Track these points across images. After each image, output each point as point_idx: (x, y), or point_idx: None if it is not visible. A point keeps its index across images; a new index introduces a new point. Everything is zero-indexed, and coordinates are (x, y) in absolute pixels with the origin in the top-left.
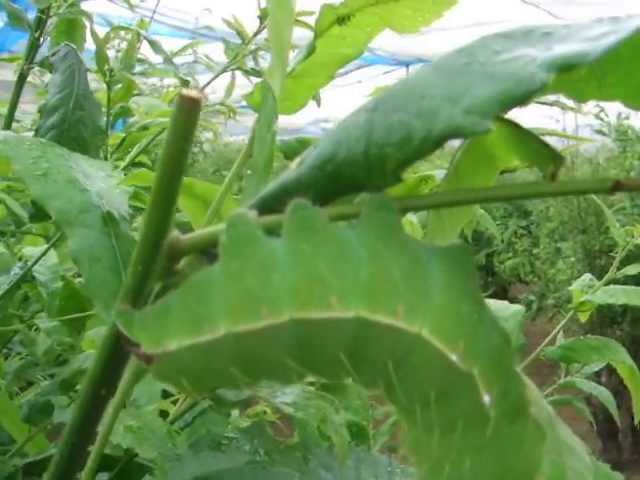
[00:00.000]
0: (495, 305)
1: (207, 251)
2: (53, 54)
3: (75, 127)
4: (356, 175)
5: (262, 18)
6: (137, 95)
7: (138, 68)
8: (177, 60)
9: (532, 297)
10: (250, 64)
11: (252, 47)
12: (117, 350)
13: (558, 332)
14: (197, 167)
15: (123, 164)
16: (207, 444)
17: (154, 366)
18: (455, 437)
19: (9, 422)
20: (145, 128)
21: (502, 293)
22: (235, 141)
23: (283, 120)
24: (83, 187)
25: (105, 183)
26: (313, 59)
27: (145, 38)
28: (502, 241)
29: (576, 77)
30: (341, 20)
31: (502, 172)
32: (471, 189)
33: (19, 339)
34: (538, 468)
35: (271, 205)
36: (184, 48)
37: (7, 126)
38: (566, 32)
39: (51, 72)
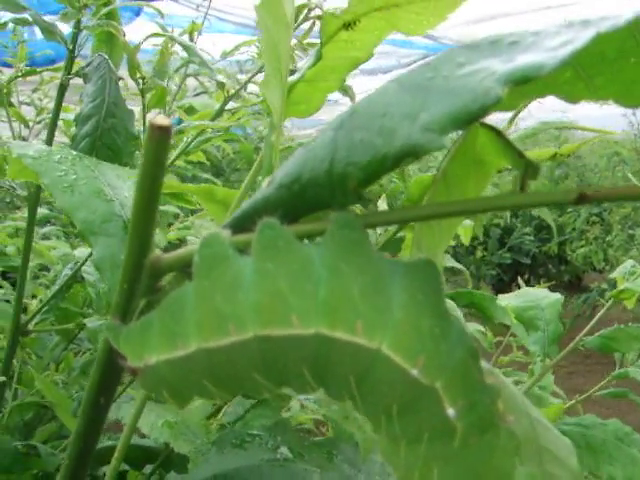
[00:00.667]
0: (533, 293)
1: (188, 269)
2: (87, 64)
3: (107, 134)
4: (320, 194)
5: (295, 17)
6: (202, 93)
7: (193, 69)
8: (241, 57)
9: (605, 285)
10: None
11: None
12: (112, 362)
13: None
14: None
15: None
16: (230, 441)
17: (138, 378)
18: (421, 447)
19: (65, 415)
20: (180, 132)
21: (576, 282)
22: (303, 135)
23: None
24: (108, 197)
25: (130, 192)
26: (324, 63)
27: (180, 43)
28: (574, 229)
29: (561, 80)
30: (348, 25)
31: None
32: (436, 204)
33: (86, 336)
34: (510, 478)
35: (244, 224)
36: (237, 47)
37: (50, 133)
38: (532, 40)
39: (85, 82)
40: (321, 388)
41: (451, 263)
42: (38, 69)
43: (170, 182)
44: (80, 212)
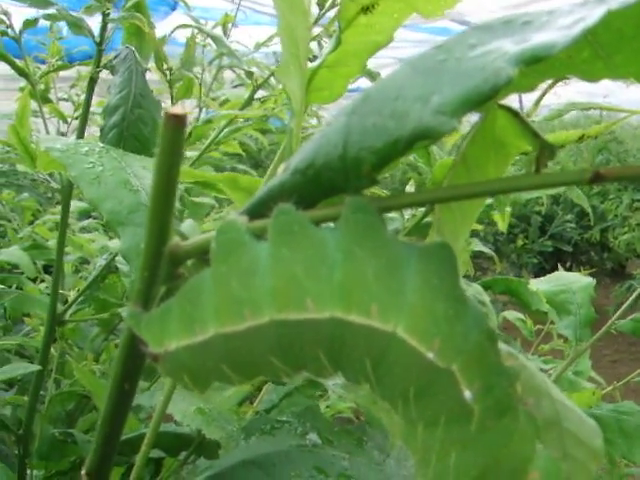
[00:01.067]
0: (564, 277)
1: (206, 256)
2: (115, 57)
3: (134, 125)
4: (334, 179)
5: (321, 5)
6: (240, 85)
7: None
8: (277, 48)
9: None
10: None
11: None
12: (135, 349)
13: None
14: None
15: (194, 158)
16: (259, 428)
17: (160, 364)
18: (438, 431)
19: (103, 404)
20: (209, 122)
21: (619, 269)
22: None
23: None
24: (134, 188)
25: None
26: (345, 48)
27: (207, 34)
28: (616, 216)
29: (579, 59)
30: (366, 9)
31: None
32: (448, 186)
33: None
34: (529, 462)
35: (260, 210)
36: (270, 38)
37: (81, 126)
38: (546, 20)
39: (113, 74)
40: (338, 372)
41: (479, 247)
42: (69, 64)
43: (192, 170)
44: (107, 203)
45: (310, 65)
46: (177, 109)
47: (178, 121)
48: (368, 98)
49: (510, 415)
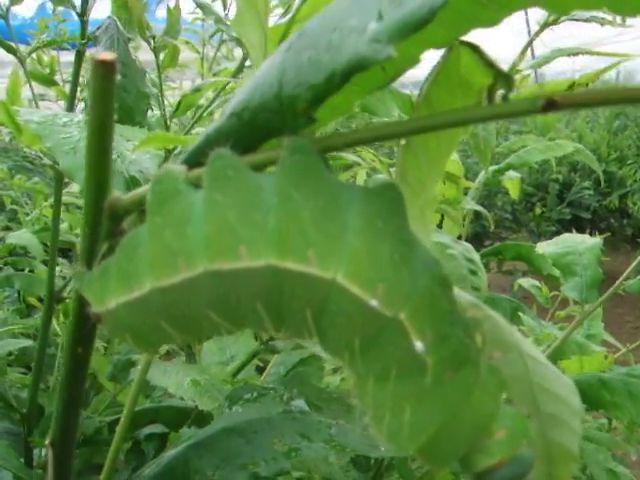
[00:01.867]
0: (571, 238)
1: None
2: (98, 28)
3: (117, 94)
4: (271, 120)
5: None
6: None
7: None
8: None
9: None
10: None
11: None
12: (85, 311)
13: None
14: None
15: (187, 129)
16: (243, 396)
17: (104, 324)
18: (390, 385)
19: (104, 379)
20: (197, 90)
21: None
22: None
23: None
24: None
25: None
26: (317, 0)
27: (195, 2)
28: (635, 181)
29: None
30: None
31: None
32: (396, 122)
33: None
34: (492, 419)
35: (199, 159)
36: (271, 9)
37: (71, 100)
38: None
39: (96, 45)
40: (280, 325)
41: (470, 205)
42: (59, 40)
43: (165, 134)
44: (82, 172)
45: (282, 20)
46: (105, 55)
47: (107, 68)
48: (305, 33)
49: (469, 368)
